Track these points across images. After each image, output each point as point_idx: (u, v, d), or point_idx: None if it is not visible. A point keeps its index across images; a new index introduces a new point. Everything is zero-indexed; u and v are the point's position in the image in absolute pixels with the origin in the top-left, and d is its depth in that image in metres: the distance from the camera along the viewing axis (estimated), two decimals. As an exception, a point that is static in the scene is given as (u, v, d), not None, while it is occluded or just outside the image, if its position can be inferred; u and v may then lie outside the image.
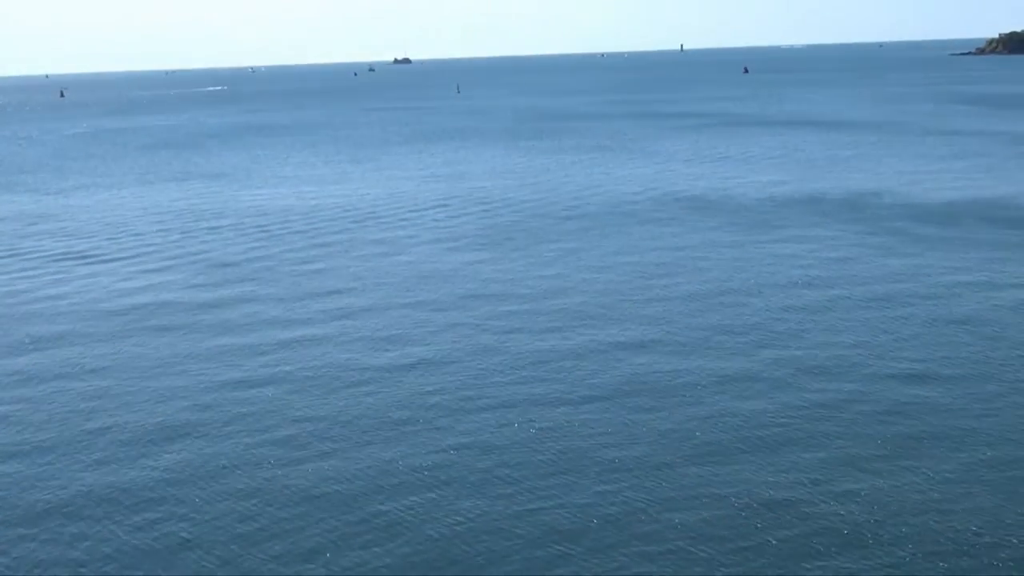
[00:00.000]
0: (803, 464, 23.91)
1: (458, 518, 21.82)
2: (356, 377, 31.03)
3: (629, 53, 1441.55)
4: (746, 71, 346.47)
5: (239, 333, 36.37)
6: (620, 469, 23.95)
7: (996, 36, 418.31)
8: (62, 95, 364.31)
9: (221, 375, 31.57)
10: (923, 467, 23.52)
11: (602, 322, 36.07)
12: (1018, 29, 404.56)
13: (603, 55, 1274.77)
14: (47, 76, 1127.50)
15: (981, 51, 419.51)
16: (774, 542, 20.36)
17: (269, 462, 24.94)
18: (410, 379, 30.72)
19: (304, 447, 25.79)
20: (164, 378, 31.58)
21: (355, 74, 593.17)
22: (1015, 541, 20.05)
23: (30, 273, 48.37)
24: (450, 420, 27.29)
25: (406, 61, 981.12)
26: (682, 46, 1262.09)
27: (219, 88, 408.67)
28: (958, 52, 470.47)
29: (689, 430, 26.03)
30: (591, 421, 26.89)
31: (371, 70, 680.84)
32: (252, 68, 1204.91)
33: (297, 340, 35.05)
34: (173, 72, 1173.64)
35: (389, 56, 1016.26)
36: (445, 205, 64.40)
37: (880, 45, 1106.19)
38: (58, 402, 29.86)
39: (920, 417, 26.40)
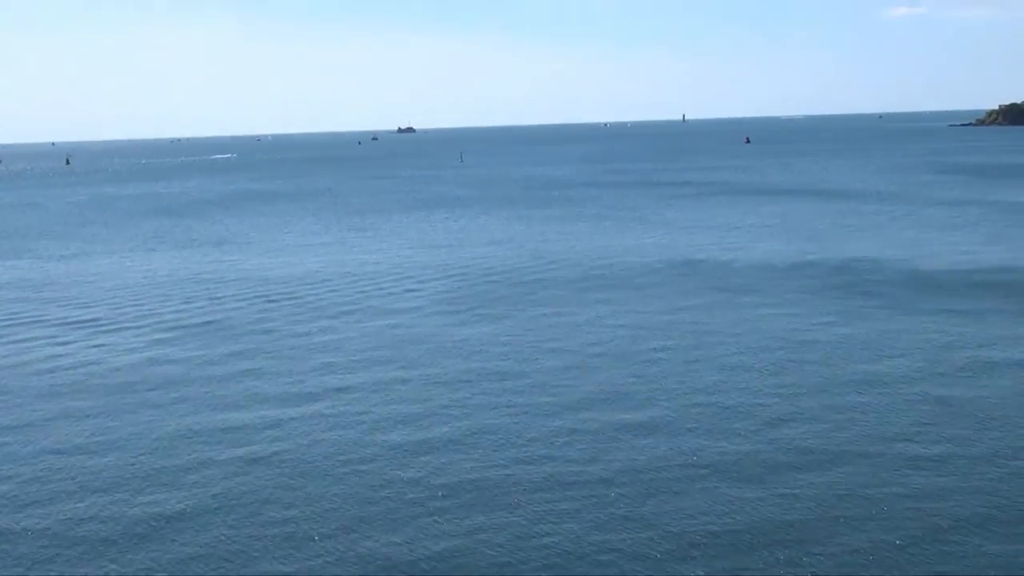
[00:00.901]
0: (810, 561, 23.64)
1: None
2: (356, 456, 30.57)
3: (632, 123, 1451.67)
4: (748, 141, 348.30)
5: (237, 409, 36.00)
6: (615, 559, 23.71)
7: (996, 107, 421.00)
8: (68, 162, 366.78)
9: (217, 455, 30.90)
10: (943, 559, 23.26)
11: (602, 400, 35.93)
12: (1017, 101, 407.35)
13: (606, 125, 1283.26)
14: (53, 144, 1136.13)
15: (981, 122, 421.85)
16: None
17: (263, 550, 24.54)
18: (411, 459, 30.32)
19: (298, 534, 25.34)
20: (157, 457, 30.96)
21: (359, 143, 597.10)
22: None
23: (29, 342, 48.35)
24: (447, 505, 26.99)
25: (410, 130, 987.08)
26: (684, 116, 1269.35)
27: (229, 156, 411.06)
28: (958, 123, 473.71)
29: (686, 519, 25.58)
30: (590, 506, 26.61)
31: (374, 139, 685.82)
32: (258, 137, 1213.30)
33: (295, 418, 34.45)
34: (179, 140, 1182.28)
35: (393, 125, 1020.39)
36: (447, 275, 64.45)
37: (880, 116, 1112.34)
38: (48, 482, 29.31)
39: (923, 503, 26.13)
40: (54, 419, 35.14)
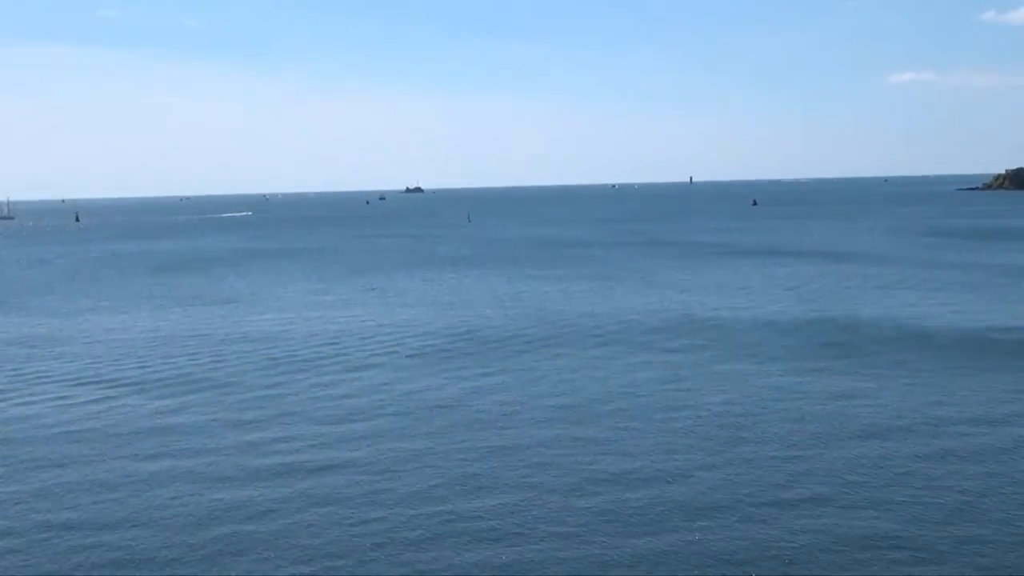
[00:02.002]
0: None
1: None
2: (363, 533, 30.09)
3: (640, 184, 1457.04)
4: (755, 203, 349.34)
5: (242, 482, 35.57)
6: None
7: (1003, 172, 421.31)
8: (77, 220, 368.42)
9: (223, 534, 29.73)
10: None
11: (609, 472, 35.73)
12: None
13: (615, 186, 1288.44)
14: (63, 201, 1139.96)
15: (988, 186, 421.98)
16: None
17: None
18: (421, 545, 29.80)
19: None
20: (156, 533, 29.98)
21: (367, 202, 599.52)
22: None
23: (33, 402, 48.24)
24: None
25: (418, 190, 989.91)
26: (691, 178, 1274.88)
27: (245, 214, 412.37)
28: (965, 187, 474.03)
29: None
30: None
31: (382, 199, 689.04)
32: (266, 195, 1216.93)
33: (300, 493, 33.60)
34: (187, 198, 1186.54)
35: (401, 185, 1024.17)
36: (450, 335, 64.26)
37: (885, 180, 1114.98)
38: (46, 559, 28.63)
39: None
40: (55, 485, 34.85)
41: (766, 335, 60.41)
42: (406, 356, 56.55)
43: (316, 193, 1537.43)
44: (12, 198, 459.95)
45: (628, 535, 27.96)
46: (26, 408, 45.83)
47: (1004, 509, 29.22)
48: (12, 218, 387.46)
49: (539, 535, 28.16)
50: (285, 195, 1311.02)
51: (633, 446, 36.74)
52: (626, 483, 32.51)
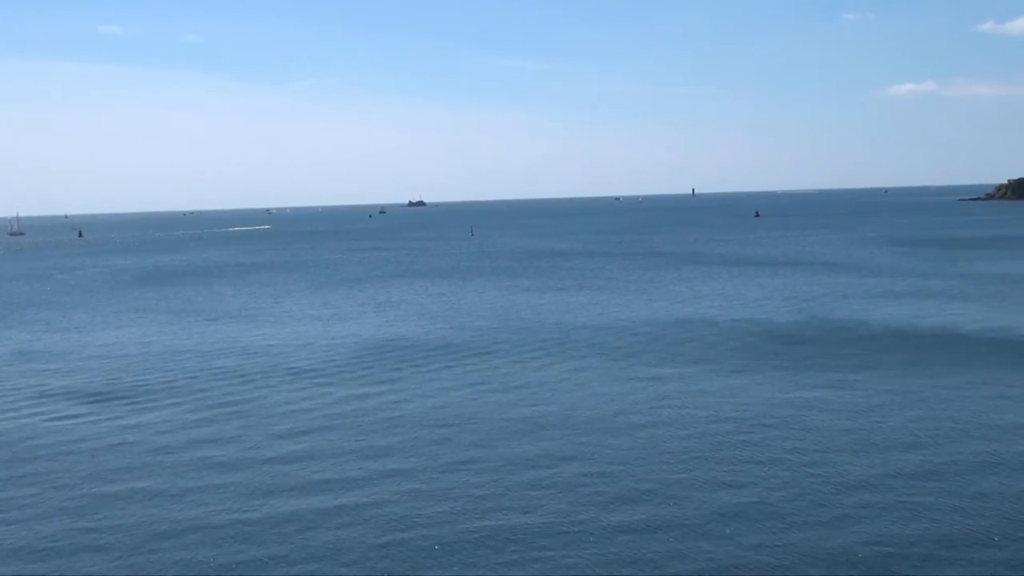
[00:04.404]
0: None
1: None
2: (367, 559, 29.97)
3: (643, 197, 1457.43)
4: (758, 215, 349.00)
5: (228, 500, 35.45)
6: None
7: (1004, 182, 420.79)
8: (80, 235, 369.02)
9: (209, 549, 29.59)
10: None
11: (596, 491, 35.62)
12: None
13: (618, 198, 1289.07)
14: (66, 216, 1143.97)
15: (990, 196, 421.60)
16: None
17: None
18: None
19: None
20: (145, 551, 29.77)
21: (370, 216, 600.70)
22: None
23: (30, 416, 48.19)
24: None
25: (420, 203, 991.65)
26: (693, 190, 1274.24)
27: (265, 227, 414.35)
28: (967, 198, 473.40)
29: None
30: None
31: (382, 212, 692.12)
32: (269, 210, 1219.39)
33: (303, 516, 33.67)
34: (191, 213, 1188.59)
35: (404, 198, 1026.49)
36: (446, 347, 64.23)
37: (886, 191, 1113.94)
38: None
39: None
40: (43, 502, 34.70)
41: (762, 345, 60.27)
42: (403, 368, 56.42)
43: (319, 207, 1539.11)
44: (20, 214, 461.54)
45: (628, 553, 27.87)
46: (22, 422, 45.75)
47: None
48: (23, 234, 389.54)
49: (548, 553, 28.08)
50: (289, 209, 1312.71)
51: (629, 457, 36.62)
52: (624, 501, 32.40)
